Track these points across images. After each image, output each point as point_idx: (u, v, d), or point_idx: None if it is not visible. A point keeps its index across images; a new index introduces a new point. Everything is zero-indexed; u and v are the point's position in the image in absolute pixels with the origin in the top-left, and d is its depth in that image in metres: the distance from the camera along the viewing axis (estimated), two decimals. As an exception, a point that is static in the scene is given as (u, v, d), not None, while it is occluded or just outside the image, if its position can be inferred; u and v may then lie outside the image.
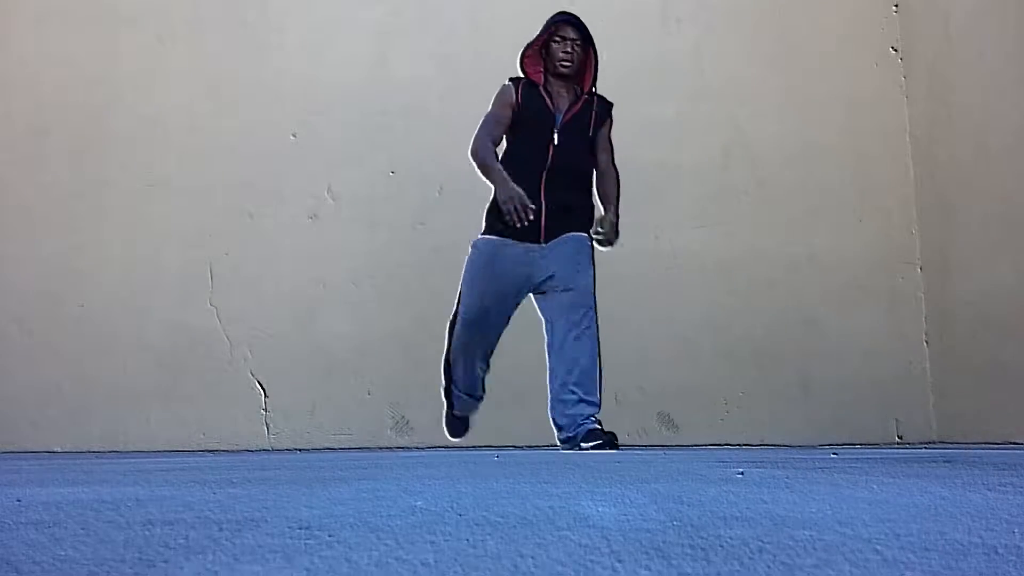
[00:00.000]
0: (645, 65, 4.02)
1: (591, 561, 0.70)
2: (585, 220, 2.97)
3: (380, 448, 3.39)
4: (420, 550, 0.75)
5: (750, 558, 0.71)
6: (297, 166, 3.95)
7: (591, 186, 3.04)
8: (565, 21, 3.00)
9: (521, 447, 3.45)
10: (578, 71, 3.00)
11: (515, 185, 2.86)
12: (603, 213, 2.98)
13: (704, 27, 4.07)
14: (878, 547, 0.75)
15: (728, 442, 3.71)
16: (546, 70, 3.01)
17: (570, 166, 2.95)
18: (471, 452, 3.05)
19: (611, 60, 4.08)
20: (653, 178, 3.92)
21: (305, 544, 0.79)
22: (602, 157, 3.05)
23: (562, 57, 2.96)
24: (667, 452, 2.94)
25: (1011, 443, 3.17)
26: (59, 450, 3.67)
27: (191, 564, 0.71)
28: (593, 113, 3.00)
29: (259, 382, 3.80)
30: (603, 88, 4.06)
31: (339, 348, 3.80)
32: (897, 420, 3.79)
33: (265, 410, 3.79)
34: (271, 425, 3.77)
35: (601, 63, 4.10)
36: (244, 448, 3.70)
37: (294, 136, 3.99)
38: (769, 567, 0.67)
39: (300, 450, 3.65)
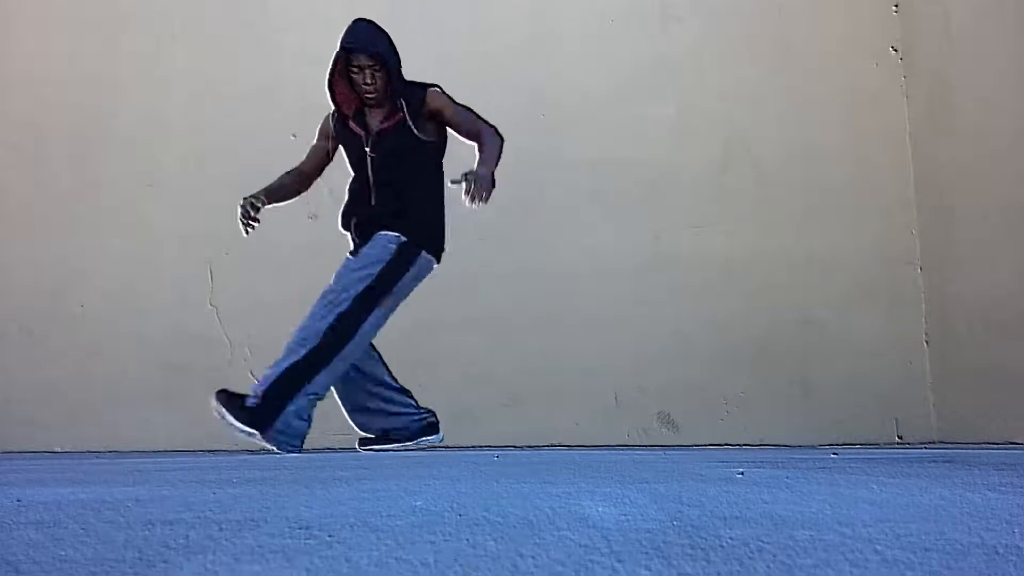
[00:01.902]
0: (645, 65, 4.02)
1: (591, 561, 0.70)
2: (408, 220, 2.92)
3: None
4: (420, 550, 0.75)
5: (750, 558, 0.71)
6: (297, 166, 3.94)
7: (425, 186, 2.98)
8: (353, 49, 2.92)
9: (521, 447, 3.45)
10: (386, 91, 2.93)
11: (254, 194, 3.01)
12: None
13: (704, 27, 4.07)
14: (878, 547, 0.75)
15: (728, 442, 3.71)
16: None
17: (391, 176, 2.93)
18: (471, 452, 3.05)
19: (611, 60, 4.10)
20: (653, 178, 3.93)
21: (305, 544, 0.79)
22: (461, 127, 2.99)
23: (365, 89, 2.91)
24: (667, 452, 2.94)
25: (1011, 443, 3.17)
26: (59, 450, 3.67)
27: (191, 564, 0.71)
28: (405, 113, 2.94)
29: (259, 382, 3.80)
30: (603, 88, 4.09)
31: (339, 348, 3.79)
32: (897, 420, 3.79)
33: (265, 410, 3.78)
34: (271, 425, 3.77)
35: (601, 63, 4.12)
36: (244, 448, 3.69)
37: (294, 136, 3.98)
38: (769, 567, 0.67)
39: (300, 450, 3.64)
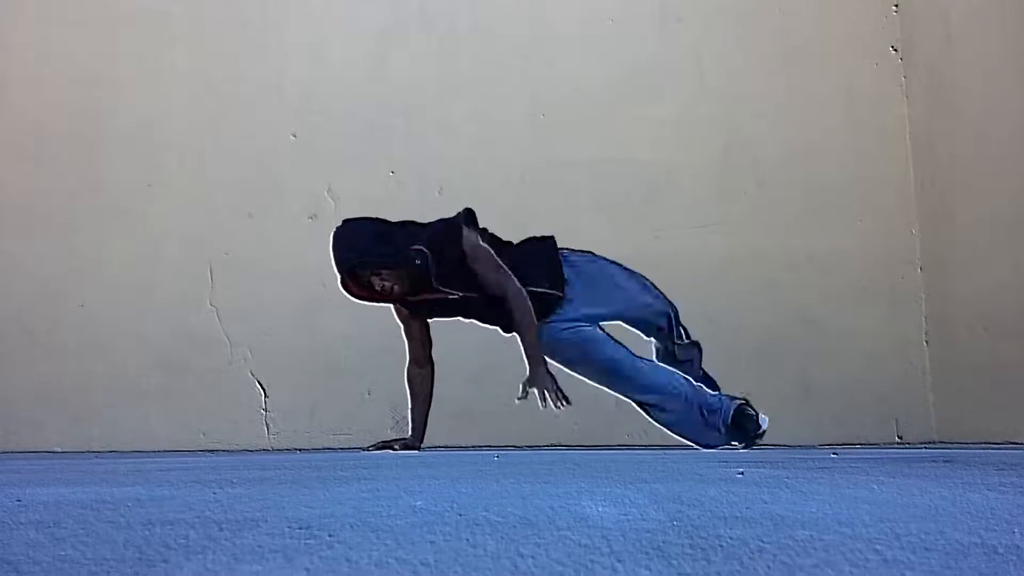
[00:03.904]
0: (644, 65, 4.02)
1: (591, 561, 0.70)
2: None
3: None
4: (420, 550, 0.75)
5: (750, 558, 0.71)
6: (297, 166, 3.95)
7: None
8: (351, 273, 2.87)
9: (521, 447, 3.45)
10: (406, 283, 2.88)
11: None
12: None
13: (704, 27, 4.07)
14: (878, 547, 0.75)
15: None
16: None
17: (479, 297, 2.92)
18: (471, 452, 3.05)
19: (611, 60, 4.10)
20: (653, 178, 3.93)
21: (305, 544, 0.79)
22: (486, 289, 2.90)
23: (383, 290, 2.87)
24: (667, 452, 2.94)
25: (1011, 443, 3.16)
26: (59, 450, 3.67)
27: (191, 564, 0.71)
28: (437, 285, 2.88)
29: (259, 382, 3.81)
30: (603, 88, 4.08)
31: (339, 348, 3.79)
32: (897, 420, 3.79)
33: (265, 410, 3.79)
34: (271, 425, 3.78)
35: (601, 63, 4.12)
36: (244, 448, 3.70)
37: (294, 136, 3.99)
38: (769, 567, 0.67)
39: (300, 450, 3.65)
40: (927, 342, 3.83)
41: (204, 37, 4.06)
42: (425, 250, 2.84)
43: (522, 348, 2.90)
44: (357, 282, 2.88)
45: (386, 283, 2.83)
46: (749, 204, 3.92)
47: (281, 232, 3.91)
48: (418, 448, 3.04)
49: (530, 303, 2.87)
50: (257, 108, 3.99)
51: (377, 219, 3.00)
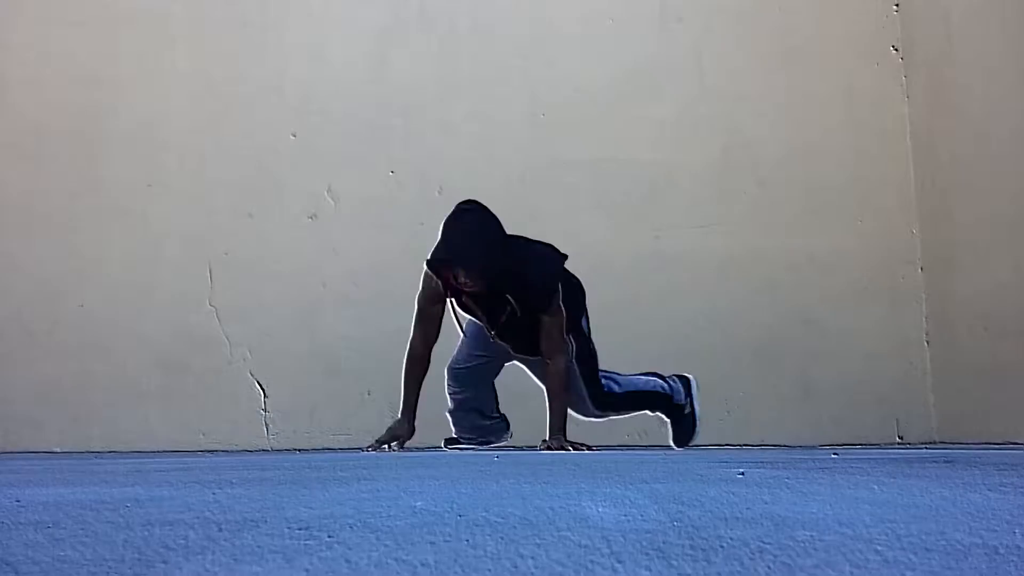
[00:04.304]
0: (645, 65, 4.02)
1: (591, 562, 0.70)
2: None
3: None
4: (420, 551, 0.75)
5: (750, 559, 0.71)
6: (297, 166, 3.95)
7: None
8: (446, 264, 2.87)
9: (521, 447, 3.45)
10: (483, 287, 2.88)
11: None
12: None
13: (704, 27, 4.07)
14: (879, 547, 0.75)
15: (728, 442, 3.71)
16: None
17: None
18: (471, 453, 3.04)
19: (611, 60, 4.10)
20: (653, 178, 3.93)
21: (305, 545, 0.78)
22: (541, 342, 2.98)
23: (467, 289, 2.89)
24: (667, 452, 2.94)
25: (1012, 443, 3.16)
26: (58, 450, 3.67)
27: (190, 564, 0.71)
28: (515, 308, 2.92)
29: (259, 382, 3.80)
30: (603, 88, 4.08)
31: (339, 348, 3.79)
32: (898, 420, 3.79)
33: (265, 410, 3.79)
34: (271, 425, 3.77)
35: (601, 63, 4.12)
36: (244, 448, 3.70)
37: (294, 136, 3.99)
38: (770, 568, 0.67)
39: (300, 450, 3.65)
40: (927, 342, 3.82)
41: (204, 37, 4.06)
42: (510, 288, 2.89)
43: (548, 414, 2.98)
44: (448, 270, 2.88)
45: (469, 283, 2.86)
46: (749, 204, 3.92)
47: (281, 232, 3.91)
48: (412, 433, 3.04)
49: (569, 380, 2.99)
50: (257, 108, 3.99)
51: (494, 222, 2.93)
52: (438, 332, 3.03)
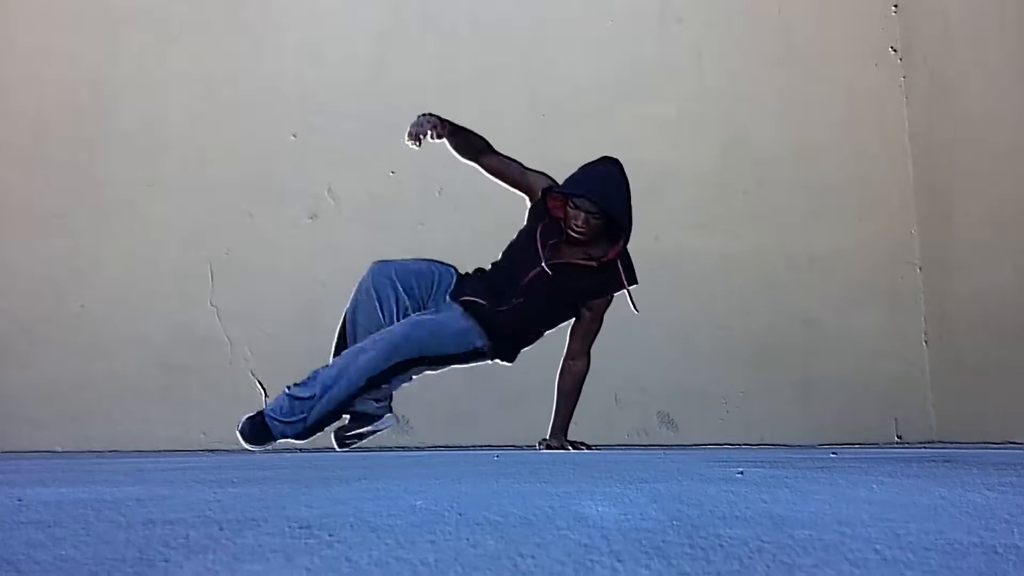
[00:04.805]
0: (644, 65, 4.02)
1: (591, 561, 0.70)
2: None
3: (380, 448, 3.38)
4: (420, 550, 0.75)
5: (750, 558, 0.71)
6: (297, 166, 3.95)
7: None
8: (581, 196, 2.82)
9: (521, 447, 3.45)
10: (594, 239, 2.87)
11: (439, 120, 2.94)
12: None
13: (704, 27, 4.07)
14: (877, 547, 0.75)
15: (728, 442, 3.71)
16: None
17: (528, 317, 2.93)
18: (471, 452, 3.05)
19: (611, 60, 4.10)
20: (653, 178, 3.92)
21: (305, 544, 0.79)
22: (586, 327, 2.97)
23: (574, 227, 2.84)
24: (667, 452, 2.94)
25: (1010, 443, 3.17)
26: (59, 450, 3.67)
27: (191, 563, 0.71)
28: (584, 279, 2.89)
29: (259, 382, 3.80)
30: (603, 88, 4.08)
31: (339, 348, 3.78)
32: (896, 420, 3.79)
33: (265, 410, 3.77)
34: (271, 425, 3.76)
35: (602, 64, 4.12)
36: (244, 448, 3.69)
37: (294, 136, 3.99)
38: (768, 567, 0.67)
39: (300, 450, 3.64)
40: (926, 342, 3.83)
41: (204, 37, 4.06)
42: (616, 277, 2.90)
43: (554, 412, 2.99)
44: (565, 200, 2.83)
45: (584, 226, 2.81)
46: (749, 204, 3.92)
47: (281, 232, 3.92)
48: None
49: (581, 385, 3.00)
50: (258, 108, 3.99)
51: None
52: (508, 178, 3.06)
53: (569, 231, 2.86)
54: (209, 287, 3.87)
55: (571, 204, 2.84)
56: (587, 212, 2.81)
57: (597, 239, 2.90)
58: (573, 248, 2.91)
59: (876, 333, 3.84)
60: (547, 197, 2.95)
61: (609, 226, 2.88)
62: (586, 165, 2.95)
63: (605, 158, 2.97)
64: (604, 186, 2.87)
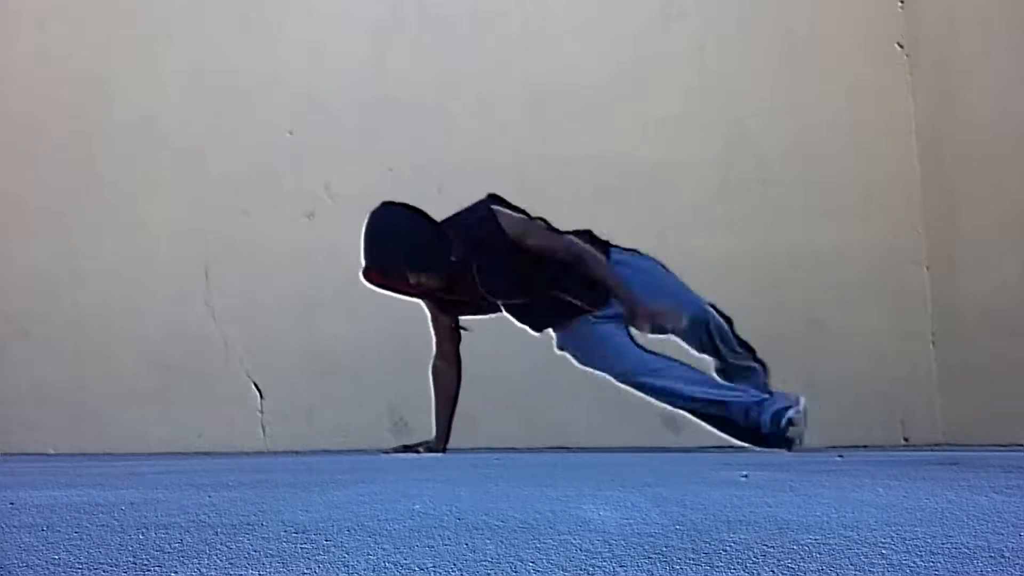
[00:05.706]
0: (646, 62, 4.01)
1: (592, 566, 0.69)
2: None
3: (378, 451, 3.37)
4: (418, 554, 0.74)
5: (754, 563, 0.70)
6: (294, 164, 3.94)
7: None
8: (368, 268, 2.80)
9: (520, 450, 3.44)
10: (444, 282, 2.85)
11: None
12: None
13: (706, 23, 4.05)
14: (884, 551, 0.74)
15: (731, 444, 3.69)
16: None
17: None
18: (470, 455, 3.03)
19: (612, 57, 4.09)
20: (655, 176, 3.91)
21: (302, 548, 0.78)
22: (542, 248, 2.93)
23: (418, 285, 2.83)
24: (670, 455, 2.93)
25: (1018, 445, 3.15)
26: (53, 452, 3.66)
27: (186, 568, 0.70)
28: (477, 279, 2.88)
29: (255, 383, 3.79)
30: (604, 86, 4.06)
31: (337, 349, 3.78)
32: (903, 421, 3.77)
33: (261, 412, 3.77)
34: (267, 427, 3.76)
35: (603, 60, 4.10)
36: (240, 450, 3.68)
37: (291, 134, 3.98)
38: (773, 572, 0.66)
39: (297, 452, 3.63)
40: (933, 342, 3.81)
41: (201, 34, 4.05)
42: (471, 260, 2.80)
43: (616, 294, 2.89)
44: (387, 275, 2.81)
45: (422, 280, 2.78)
46: (752, 202, 3.91)
47: (278, 231, 3.90)
48: (442, 450, 3.03)
49: (593, 250, 2.86)
50: (254, 105, 3.97)
51: (416, 213, 2.87)
52: (451, 343, 3.03)
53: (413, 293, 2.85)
54: (205, 286, 3.85)
55: (384, 275, 2.84)
56: (408, 271, 2.78)
57: (452, 283, 2.85)
58: (459, 305, 2.92)
59: (882, 333, 3.82)
60: (372, 280, 2.89)
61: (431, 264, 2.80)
62: (373, 224, 2.89)
63: (371, 214, 2.90)
64: (372, 250, 2.83)
